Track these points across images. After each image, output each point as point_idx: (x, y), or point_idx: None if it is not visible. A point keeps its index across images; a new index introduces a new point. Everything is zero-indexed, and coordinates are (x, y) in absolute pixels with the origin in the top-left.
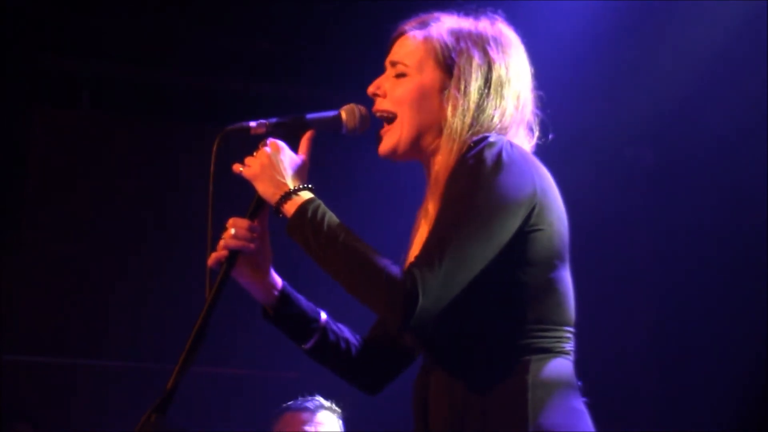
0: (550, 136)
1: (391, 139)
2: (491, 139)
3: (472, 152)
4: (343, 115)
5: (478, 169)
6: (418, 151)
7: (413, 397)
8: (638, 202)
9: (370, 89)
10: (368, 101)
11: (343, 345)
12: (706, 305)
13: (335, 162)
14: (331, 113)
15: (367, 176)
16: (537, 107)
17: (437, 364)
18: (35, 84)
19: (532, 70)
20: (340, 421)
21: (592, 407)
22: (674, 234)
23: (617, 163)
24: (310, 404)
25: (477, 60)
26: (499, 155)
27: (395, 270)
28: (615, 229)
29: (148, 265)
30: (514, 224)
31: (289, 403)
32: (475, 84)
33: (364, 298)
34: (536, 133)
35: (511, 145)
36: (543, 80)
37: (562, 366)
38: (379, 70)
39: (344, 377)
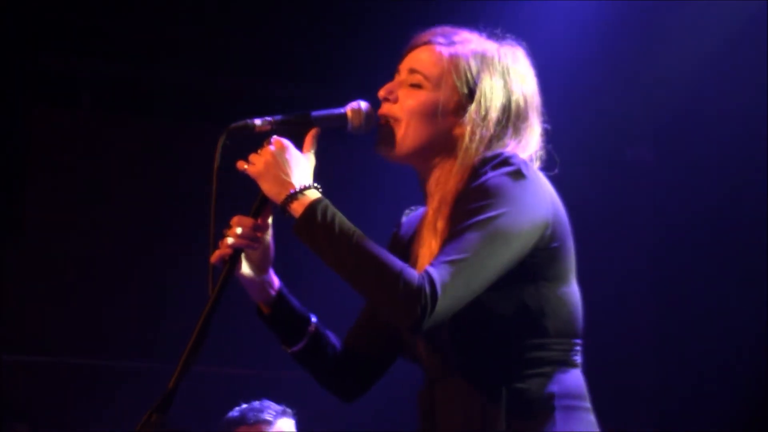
0: (555, 170)
1: (391, 143)
2: (507, 155)
3: (493, 164)
4: (349, 113)
5: (501, 182)
6: (417, 162)
7: (419, 410)
8: (638, 202)
9: (382, 92)
10: (374, 100)
11: (330, 351)
12: (706, 304)
13: (340, 160)
14: (336, 111)
15: (372, 175)
16: (544, 140)
17: (448, 375)
18: (35, 84)
19: (541, 100)
20: (293, 421)
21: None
22: (674, 233)
23: (617, 163)
24: (266, 415)
25: (498, 89)
26: (519, 171)
27: (411, 273)
28: (615, 229)
29: (149, 265)
30: (532, 239)
31: (239, 413)
32: (495, 113)
33: (377, 300)
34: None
35: (526, 163)
36: (543, 79)
37: (579, 378)
38: (384, 69)
39: (323, 383)
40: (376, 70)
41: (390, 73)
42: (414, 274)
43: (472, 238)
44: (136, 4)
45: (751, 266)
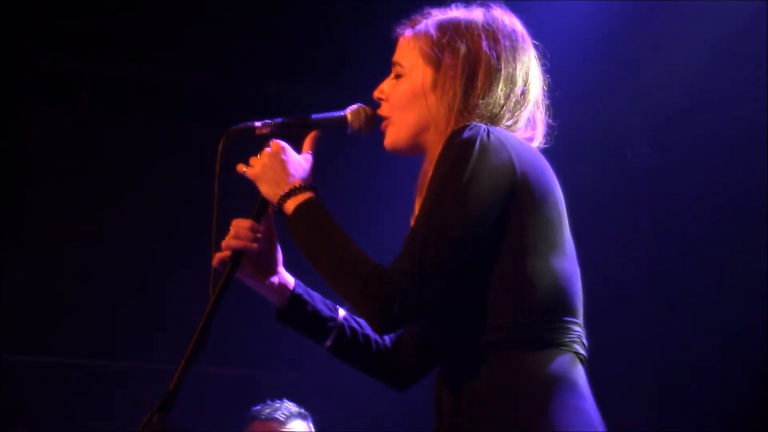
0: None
1: (389, 138)
2: (467, 128)
3: (453, 141)
4: (349, 116)
5: (450, 159)
6: (419, 150)
7: (434, 395)
8: (638, 202)
9: (375, 93)
10: (373, 101)
11: (361, 340)
12: (707, 304)
13: (340, 162)
14: (336, 114)
15: (372, 177)
16: (545, 92)
17: (442, 358)
18: (35, 84)
19: (536, 54)
20: (310, 424)
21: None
22: (674, 234)
23: (617, 163)
24: (279, 414)
25: (463, 51)
26: (471, 142)
27: (377, 275)
28: (615, 229)
29: (150, 265)
30: (491, 210)
31: (259, 408)
32: (462, 77)
33: (346, 301)
34: (545, 116)
35: (489, 130)
36: (543, 80)
37: (558, 359)
38: (384, 69)
39: (367, 374)
40: (376, 71)
41: (389, 74)
42: (379, 278)
43: (428, 226)
44: (136, 5)
45: (751, 265)
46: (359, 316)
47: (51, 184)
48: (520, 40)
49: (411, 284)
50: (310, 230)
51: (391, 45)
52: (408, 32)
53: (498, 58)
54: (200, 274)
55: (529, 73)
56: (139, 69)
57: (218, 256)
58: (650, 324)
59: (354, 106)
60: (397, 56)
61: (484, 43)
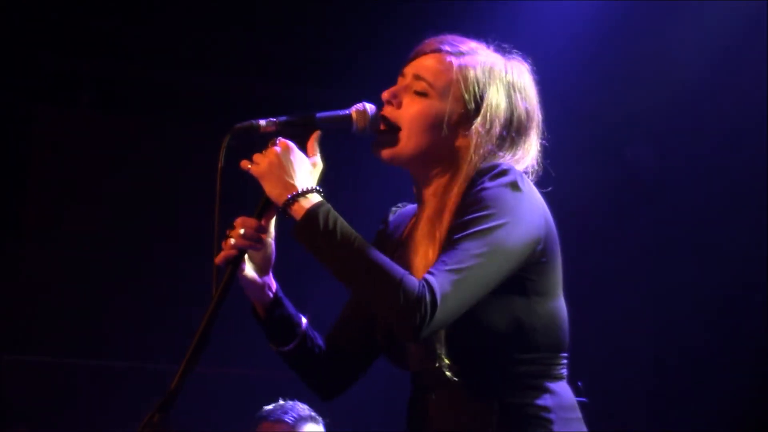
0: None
1: (391, 149)
2: (504, 167)
3: (490, 175)
4: (354, 114)
5: (498, 193)
6: (415, 169)
7: (410, 416)
8: (638, 202)
9: (386, 95)
10: (378, 101)
11: (316, 351)
12: (706, 306)
13: (343, 161)
14: (341, 112)
15: (374, 176)
16: (541, 154)
17: (443, 384)
18: (36, 83)
19: (541, 116)
20: (322, 427)
21: (591, 410)
22: (674, 233)
23: (617, 163)
24: (288, 417)
25: (503, 103)
26: (516, 183)
27: (411, 281)
28: (614, 229)
29: (150, 265)
30: (526, 253)
31: (270, 408)
32: (498, 127)
33: (377, 307)
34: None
35: (522, 176)
36: (544, 80)
37: (568, 391)
38: (387, 70)
39: (307, 381)
40: (377, 71)
41: (393, 75)
42: (414, 282)
43: (471, 248)
44: (136, 5)
45: (751, 265)
46: (390, 322)
47: (51, 184)
48: (537, 96)
49: (451, 297)
50: (328, 238)
51: (395, 46)
52: (450, 58)
53: (528, 119)
54: (201, 273)
55: (539, 127)
56: (139, 69)
57: (223, 255)
58: (650, 322)
59: (359, 105)
60: (425, 73)
61: (520, 103)
